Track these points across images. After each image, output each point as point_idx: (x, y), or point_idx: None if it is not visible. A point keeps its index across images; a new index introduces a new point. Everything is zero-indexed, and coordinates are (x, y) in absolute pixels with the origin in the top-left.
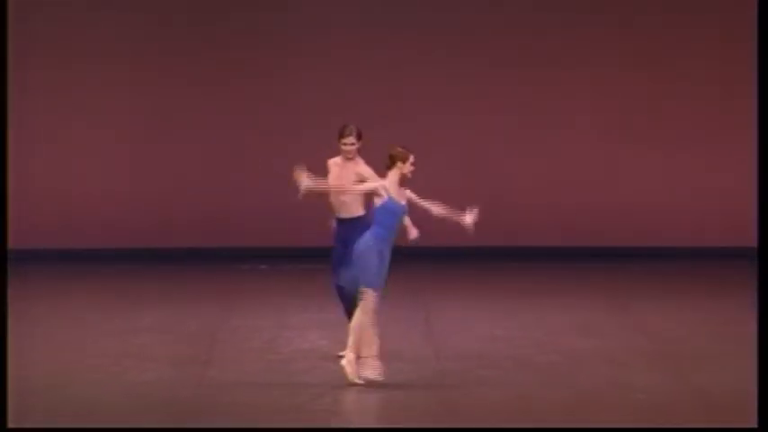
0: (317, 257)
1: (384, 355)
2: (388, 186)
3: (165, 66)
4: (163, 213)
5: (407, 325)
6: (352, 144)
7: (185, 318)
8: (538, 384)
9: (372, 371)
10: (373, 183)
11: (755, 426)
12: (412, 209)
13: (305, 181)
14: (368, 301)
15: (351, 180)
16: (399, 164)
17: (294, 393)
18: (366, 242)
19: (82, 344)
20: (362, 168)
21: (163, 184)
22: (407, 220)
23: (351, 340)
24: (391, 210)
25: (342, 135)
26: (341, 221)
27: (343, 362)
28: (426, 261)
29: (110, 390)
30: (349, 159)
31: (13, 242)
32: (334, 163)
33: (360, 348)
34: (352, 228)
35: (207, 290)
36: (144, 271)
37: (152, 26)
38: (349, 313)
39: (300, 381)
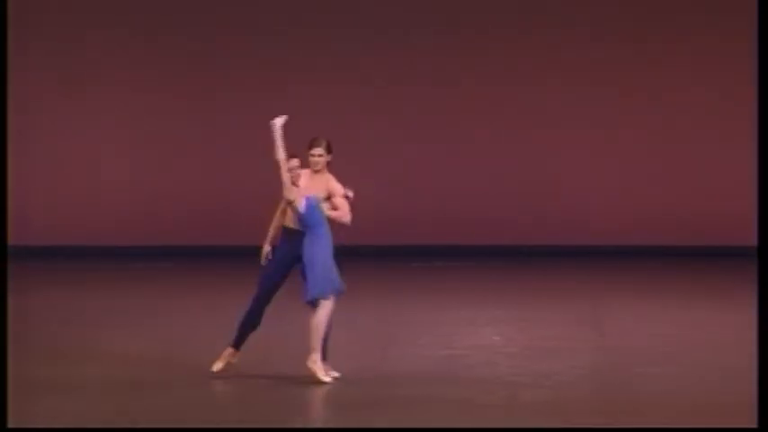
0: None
1: (552, 351)
2: (297, 191)
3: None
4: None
5: (576, 321)
6: (320, 155)
7: (361, 313)
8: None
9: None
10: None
11: (755, 426)
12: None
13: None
14: (330, 302)
15: (320, 192)
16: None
17: (467, 388)
18: (321, 250)
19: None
20: (332, 184)
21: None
22: (328, 206)
23: (313, 339)
24: (311, 206)
25: (309, 146)
26: (290, 233)
27: (310, 363)
28: (596, 259)
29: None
30: (317, 172)
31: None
32: (304, 174)
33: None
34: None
35: (379, 286)
36: None
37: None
38: (251, 319)
39: (474, 376)
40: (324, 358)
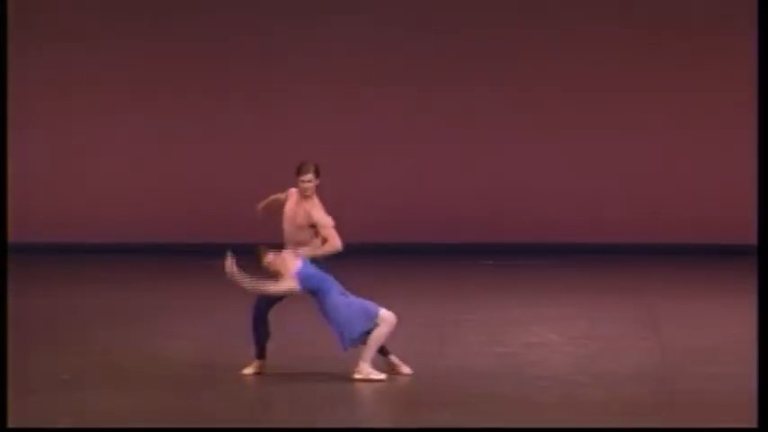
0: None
1: (615, 349)
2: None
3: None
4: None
5: (631, 320)
6: (310, 181)
7: (417, 312)
8: None
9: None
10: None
11: (755, 426)
12: None
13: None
14: (390, 317)
15: (302, 219)
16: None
17: (522, 386)
18: (334, 298)
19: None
20: (316, 212)
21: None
22: (317, 241)
23: (367, 352)
24: (304, 276)
25: (299, 172)
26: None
27: (357, 374)
28: (650, 258)
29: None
30: (306, 197)
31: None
32: (292, 194)
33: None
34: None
35: (432, 284)
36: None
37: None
38: (256, 326)
39: (530, 374)
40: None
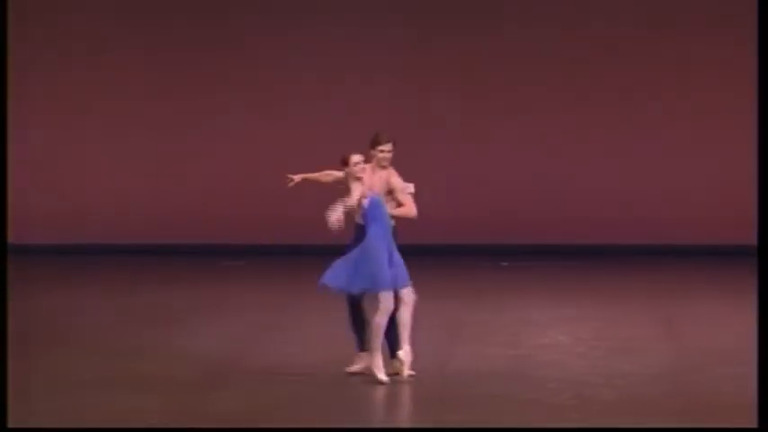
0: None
1: (621, 351)
2: (360, 188)
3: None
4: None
5: (644, 321)
6: (390, 151)
7: (431, 312)
8: None
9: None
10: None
11: (755, 426)
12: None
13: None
14: (384, 302)
15: (379, 188)
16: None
17: (536, 387)
18: (371, 243)
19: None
20: (394, 180)
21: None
22: (392, 204)
23: (404, 334)
24: (373, 203)
25: (378, 142)
26: (360, 229)
27: (401, 354)
28: (662, 259)
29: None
30: (383, 168)
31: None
32: (366, 169)
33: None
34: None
35: (448, 286)
36: None
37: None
38: (353, 318)
39: (542, 375)
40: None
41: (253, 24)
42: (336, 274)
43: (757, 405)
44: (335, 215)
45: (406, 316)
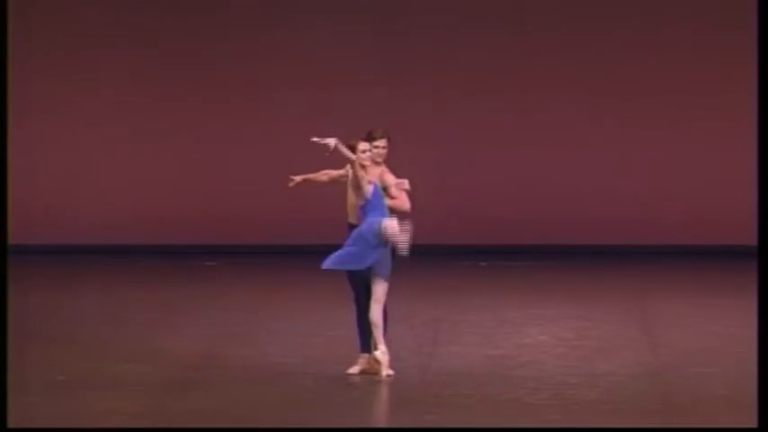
0: (532, 255)
1: (600, 351)
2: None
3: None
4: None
5: (624, 321)
6: (384, 147)
7: (411, 312)
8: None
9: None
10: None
11: (755, 426)
12: None
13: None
14: (376, 293)
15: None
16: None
17: (516, 387)
18: (368, 227)
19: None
20: (386, 176)
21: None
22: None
23: (377, 334)
24: (377, 192)
25: (372, 138)
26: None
27: (378, 354)
28: (647, 259)
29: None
30: (377, 164)
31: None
32: (370, 158)
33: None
34: None
35: (429, 285)
36: None
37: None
38: (358, 304)
39: (522, 375)
40: (369, 351)
41: (243, 20)
42: (340, 258)
43: (757, 405)
44: (405, 237)
45: (376, 316)
